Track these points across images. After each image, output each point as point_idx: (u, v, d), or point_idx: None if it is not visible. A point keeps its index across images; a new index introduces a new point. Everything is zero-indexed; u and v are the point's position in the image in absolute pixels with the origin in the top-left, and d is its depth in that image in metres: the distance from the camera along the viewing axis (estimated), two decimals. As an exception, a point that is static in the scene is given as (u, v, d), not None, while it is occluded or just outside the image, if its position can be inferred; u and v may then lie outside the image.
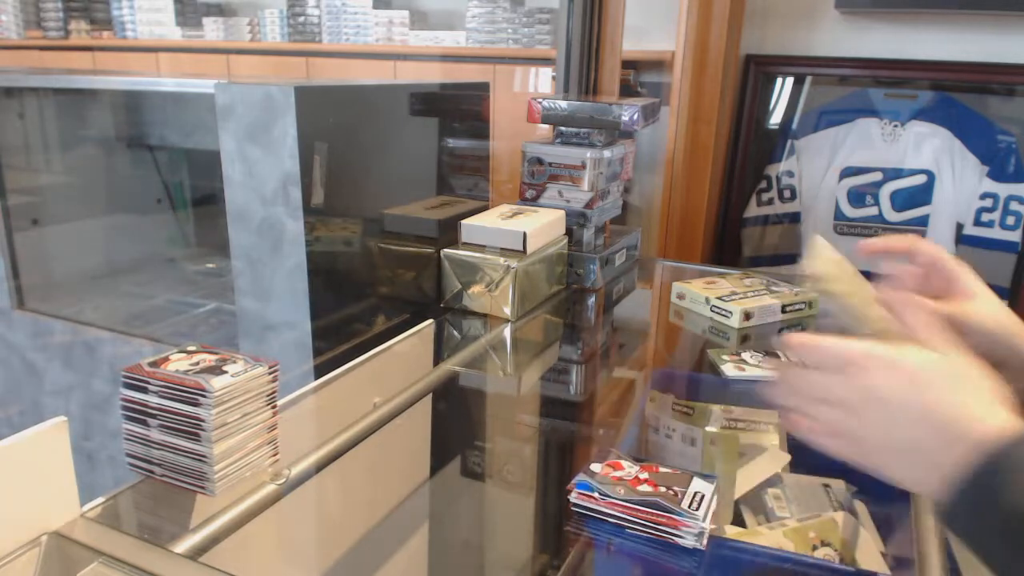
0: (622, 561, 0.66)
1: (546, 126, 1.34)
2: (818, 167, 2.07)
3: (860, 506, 0.86)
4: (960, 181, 1.94)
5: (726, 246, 2.19)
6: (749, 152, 2.14)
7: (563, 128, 1.31)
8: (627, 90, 2.22)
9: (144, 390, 0.62)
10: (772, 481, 0.85)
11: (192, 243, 2.12)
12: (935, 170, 1.95)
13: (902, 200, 1.99)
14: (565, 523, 0.67)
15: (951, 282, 0.56)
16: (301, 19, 2.92)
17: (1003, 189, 1.89)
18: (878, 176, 2.01)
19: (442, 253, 1.16)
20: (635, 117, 1.24)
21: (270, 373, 0.65)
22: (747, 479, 0.84)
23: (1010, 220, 1.88)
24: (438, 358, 1.04)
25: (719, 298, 1.19)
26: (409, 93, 1.32)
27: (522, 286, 1.12)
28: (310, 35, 2.91)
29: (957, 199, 1.94)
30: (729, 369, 1.00)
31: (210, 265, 2.00)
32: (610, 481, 0.67)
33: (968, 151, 1.92)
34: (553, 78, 1.74)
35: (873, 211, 2.02)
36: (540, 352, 1.15)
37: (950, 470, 0.42)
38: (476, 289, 1.13)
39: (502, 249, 1.14)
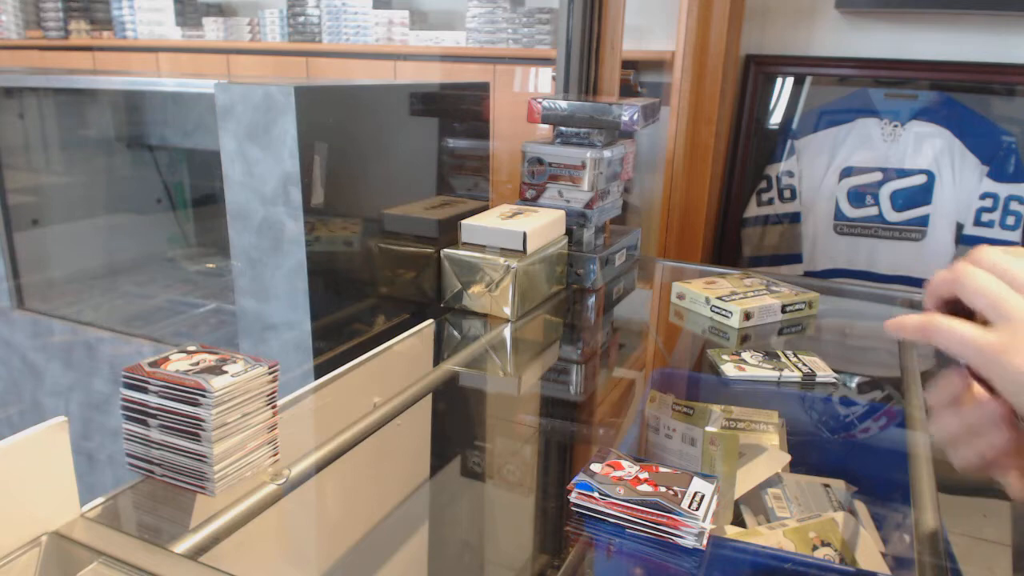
0: (622, 561, 0.66)
1: (546, 126, 1.34)
2: (818, 167, 2.07)
3: (860, 506, 0.86)
4: (960, 181, 1.94)
5: (726, 246, 2.19)
6: (749, 152, 2.14)
7: (563, 128, 1.31)
8: (627, 90, 2.22)
9: (144, 390, 0.62)
10: (772, 481, 0.85)
11: (192, 243, 2.12)
12: (935, 170, 1.95)
13: (902, 200, 1.99)
14: (565, 523, 0.67)
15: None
16: (301, 19, 2.92)
17: (1003, 189, 1.89)
18: (878, 176, 2.01)
19: (442, 253, 1.16)
20: (635, 117, 1.24)
21: (270, 373, 0.65)
22: (747, 479, 0.84)
23: (1010, 220, 1.88)
24: (438, 358, 1.04)
25: (719, 298, 1.19)
26: (409, 93, 1.32)
27: (522, 286, 1.12)
28: (310, 35, 2.92)
29: (957, 199, 1.94)
30: (729, 369, 1.00)
31: (210, 265, 2.00)
32: (610, 481, 0.67)
33: (968, 151, 1.92)
34: (553, 78, 1.74)
35: (873, 211, 2.02)
36: (540, 352, 1.15)
37: None
38: (476, 289, 1.13)
39: (502, 249, 1.14)
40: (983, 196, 1.91)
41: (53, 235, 1.77)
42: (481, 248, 1.15)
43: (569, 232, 1.29)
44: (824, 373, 0.99)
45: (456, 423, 1.02)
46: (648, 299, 1.45)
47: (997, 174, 1.89)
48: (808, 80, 2.08)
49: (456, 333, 1.12)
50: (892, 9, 1.93)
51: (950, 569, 0.61)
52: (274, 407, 0.66)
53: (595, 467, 0.69)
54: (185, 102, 1.91)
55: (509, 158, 1.56)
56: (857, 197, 2.04)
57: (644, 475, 0.68)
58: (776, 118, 2.11)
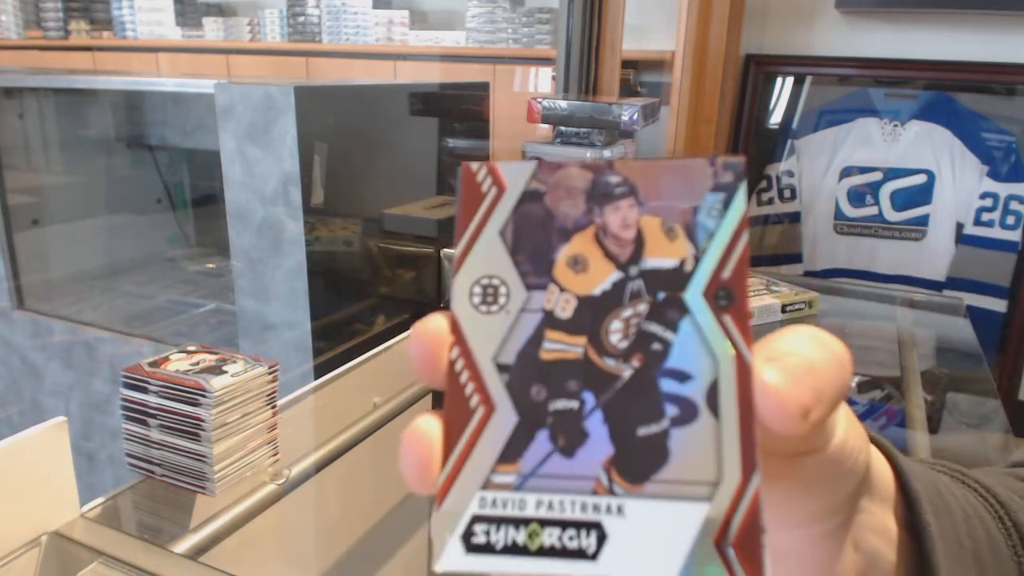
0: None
1: (546, 126, 1.34)
2: (818, 167, 2.07)
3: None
4: (960, 181, 1.94)
5: (726, 246, 2.19)
6: (749, 152, 2.14)
7: (563, 128, 1.31)
8: (627, 90, 2.22)
9: (144, 390, 0.62)
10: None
11: (192, 243, 2.12)
12: (935, 170, 1.95)
13: (902, 200, 1.99)
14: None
15: None
16: (301, 19, 2.92)
17: (1003, 189, 1.88)
18: (878, 176, 2.01)
19: (442, 253, 1.16)
20: (635, 117, 1.24)
21: (270, 373, 0.65)
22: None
23: (1010, 220, 1.88)
24: (438, 358, 1.03)
25: (719, 298, 1.18)
26: (409, 93, 1.32)
27: (522, 286, 1.12)
28: (310, 35, 2.91)
29: (957, 199, 1.94)
30: (729, 369, 1.00)
31: (210, 265, 2.00)
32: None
33: (968, 151, 1.92)
34: (553, 78, 1.74)
35: (873, 211, 2.02)
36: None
37: None
38: (476, 289, 1.13)
39: (502, 249, 1.14)
40: (983, 196, 1.90)
41: (53, 235, 1.77)
42: (481, 248, 1.15)
43: (569, 232, 1.29)
44: (824, 373, 0.99)
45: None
46: (648, 299, 1.44)
47: (997, 174, 1.89)
48: (808, 80, 2.08)
49: (456, 333, 1.12)
50: (892, 9, 1.93)
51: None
52: (274, 407, 0.66)
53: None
54: (185, 102, 1.91)
55: (509, 158, 1.56)
56: (857, 197, 2.04)
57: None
58: (776, 118, 2.11)
